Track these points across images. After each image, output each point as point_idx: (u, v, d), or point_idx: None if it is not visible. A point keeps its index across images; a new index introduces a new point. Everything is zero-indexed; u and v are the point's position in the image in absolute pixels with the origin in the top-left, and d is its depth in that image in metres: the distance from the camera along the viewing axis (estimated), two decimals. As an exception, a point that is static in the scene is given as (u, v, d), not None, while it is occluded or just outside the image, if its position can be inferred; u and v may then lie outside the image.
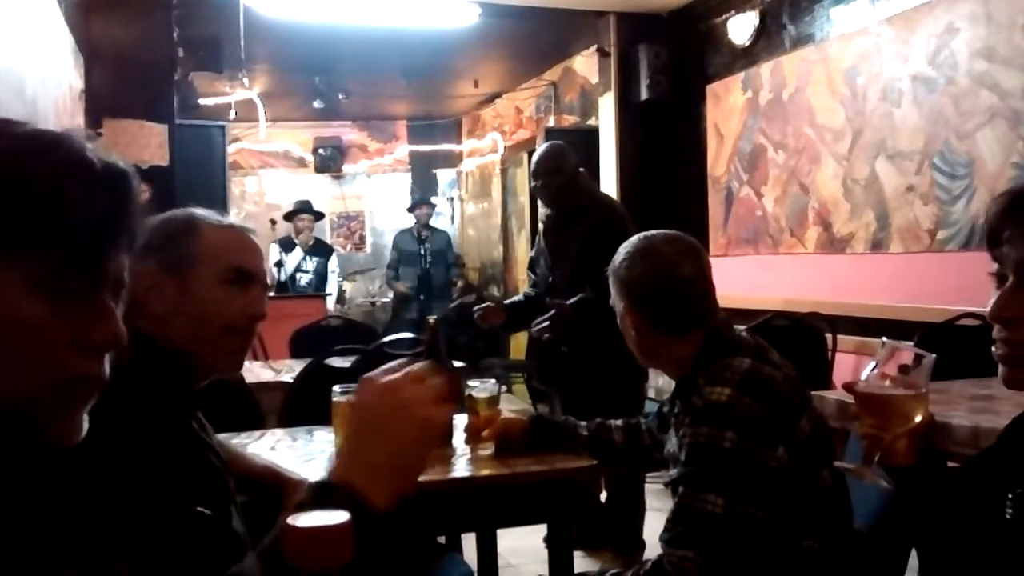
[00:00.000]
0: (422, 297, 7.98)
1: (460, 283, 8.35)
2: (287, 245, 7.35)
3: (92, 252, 0.73)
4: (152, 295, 1.36)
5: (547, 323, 3.48)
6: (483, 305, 3.78)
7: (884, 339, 1.34)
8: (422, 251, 8.07)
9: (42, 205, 0.70)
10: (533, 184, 3.75)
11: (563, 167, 3.63)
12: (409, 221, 8.46)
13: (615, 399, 3.37)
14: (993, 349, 1.19)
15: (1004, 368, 1.19)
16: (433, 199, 9.51)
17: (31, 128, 0.74)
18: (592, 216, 3.55)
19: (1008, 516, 1.11)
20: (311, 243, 7.43)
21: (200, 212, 1.46)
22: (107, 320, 0.75)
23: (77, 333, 0.72)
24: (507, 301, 3.96)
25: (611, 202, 3.89)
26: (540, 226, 3.86)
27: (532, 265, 3.94)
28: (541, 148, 3.81)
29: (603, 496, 3.81)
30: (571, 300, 3.46)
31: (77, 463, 0.84)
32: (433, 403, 0.95)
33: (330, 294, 7.27)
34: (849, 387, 1.33)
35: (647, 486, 3.71)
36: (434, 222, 8.74)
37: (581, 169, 3.72)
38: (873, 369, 1.32)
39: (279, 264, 7.15)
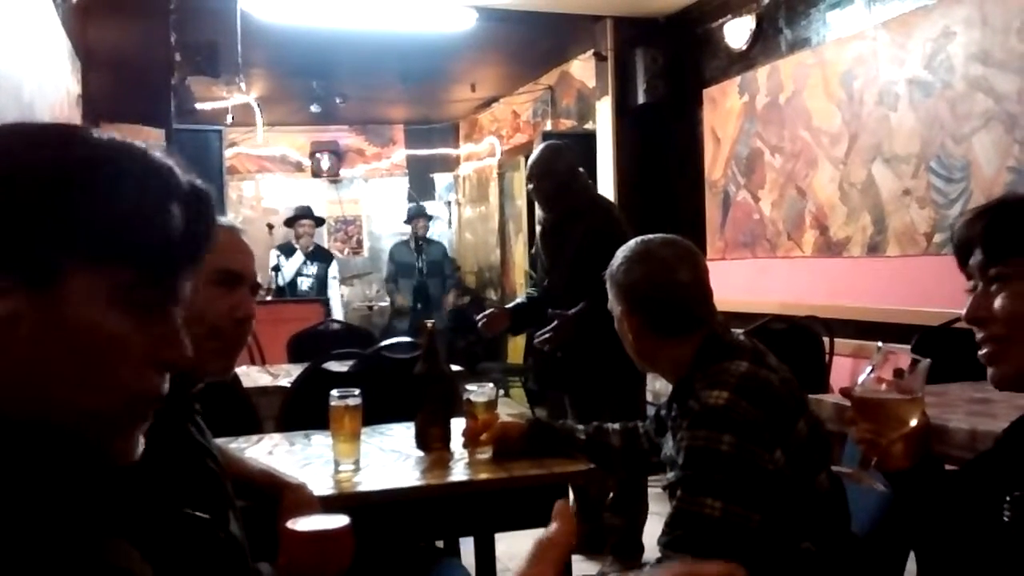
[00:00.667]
0: (419, 307, 7.99)
1: (452, 297, 8.33)
2: (287, 250, 7.34)
3: (175, 270, 0.74)
4: None
5: (550, 334, 3.48)
6: (487, 313, 3.76)
7: (879, 344, 1.36)
8: (419, 263, 8.08)
9: (140, 221, 0.71)
10: (528, 187, 3.75)
11: (555, 169, 3.61)
12: (405, 230, 8.46)
13: (614, 403, 3.37)
14: (978, 354, 1.22)
15: (990, 369, 1.22)
16: (430, 205, 9.51)
17: (123, 141, 0.75)
18: (588, 220, 3.53)
19: (1006, 518, 1.12)
20: (311, 248, 7.42)
21: None
22: (180, 338, 0.75)
23: (154, 349, 0.73)
24: (509, 305, 3.95)
25: (608, 206, 3.83)
26: (538, 227, 3.83)
27: (532, 264, 3.93)
28: (536, 150, 3.78)
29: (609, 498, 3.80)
30: (572, 311, 3.45)
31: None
32: None
33: (329, 299, 7.25)
34: (846, 392, 1.35)
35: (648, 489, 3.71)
36: (432, 226, 8.75)
37: (581, 170, 3.71)
38: (869, 374, 1.33)
39: (276, 268, 7.13)
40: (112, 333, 0.70)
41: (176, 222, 0.73)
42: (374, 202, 10.30)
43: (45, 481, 0.68)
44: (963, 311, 1.25)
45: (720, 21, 5.41)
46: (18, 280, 0.67)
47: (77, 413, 0.70)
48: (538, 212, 3.83)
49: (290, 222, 7.52)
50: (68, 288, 0.69)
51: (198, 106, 7.30)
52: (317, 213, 8.09)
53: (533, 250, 3.97)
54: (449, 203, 10.59)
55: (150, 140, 4.83)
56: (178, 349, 0.74)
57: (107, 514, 0.75)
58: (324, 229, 9.74)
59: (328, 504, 1.67)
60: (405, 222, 8.44)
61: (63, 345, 0.69)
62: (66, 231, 0.68)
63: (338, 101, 8.02)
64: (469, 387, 2.26)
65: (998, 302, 1.20)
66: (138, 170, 0.73)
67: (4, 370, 0.68)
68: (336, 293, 7.58)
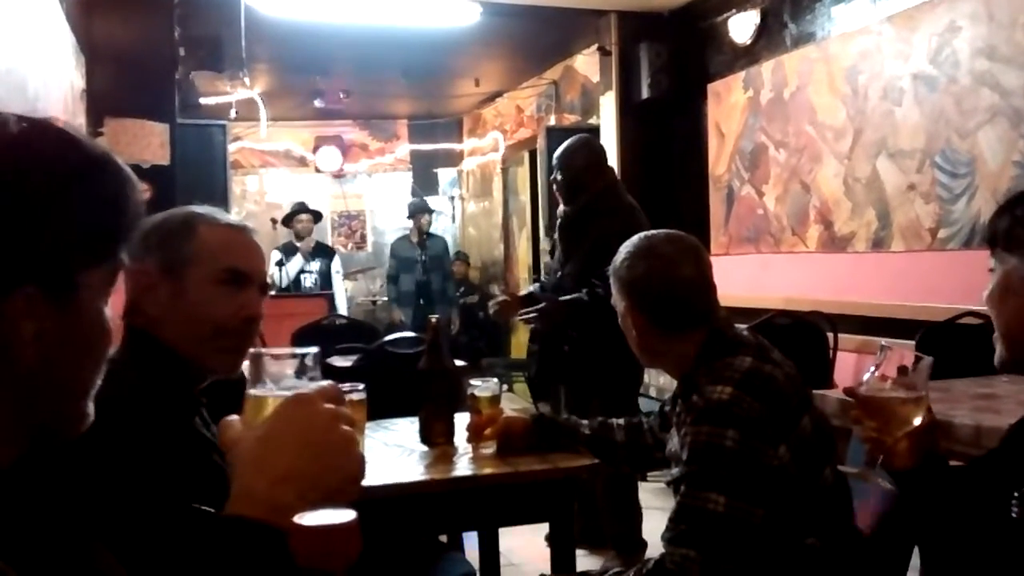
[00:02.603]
0: (421, 302, 7.98)
1: (456, 314, 8.29)
2: (288, 250, 7.32)
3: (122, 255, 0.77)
4: (147, 295, 1.36)
5: (534, 315, 3.49)
6: (499, 299, 3.75)
7: (883, 342, 1.37)
8: (421, 258, 8.06)
9: (125, 215, 0.74)
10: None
11: (570, 165, 3.59)
12: (409, 224, 8.44)
13: (609, 397, 3.37)
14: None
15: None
16: (433, 200, 9.48)
17: (85, 138, 0.75)
18: (609, 220, 3.44)
19: (1014, 515, 1.12)
20: (312, 247, 7.40)
21: (200, 210, 1.45)
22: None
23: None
24: (522, 293, 3.94)
25: (633, 209, 3.62)
26: (558, 219, 3.79)
27: (551, 252, 3.91)
28: (564, 143, 3.74)
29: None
30: (564, 298, 3.46)
31: (78, 457, 0.85)
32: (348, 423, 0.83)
33: (333, 293, 7.24)
34: (851, 391, 1.36)
35: (649, 485, 3.71)
36: (435, 221, 8.73)
37: (611, 167, 3.72)
38: (873, 373, 1.33)
39: (280, 264, 7.13)
40: (107, 323, 0.74)
41: (139, 210, 0.76)
42: (378, 197, 10.29)
43: (30, 485, 0.69)
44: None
45: (724, 16, 5.39)
46: (39, 290, 0.67)
47: (76, 400, 0.73)
48: (560, 205, 3.79)
49: (287, 220, 7.50)
50: (82, 294, 0.70)
51: (202, 101, 7.30)
52: (320, 209, 8.08)
53: (552, 239, 3.94)
54: (453, 198, 10.58)
55: (154, 135, 4.85)
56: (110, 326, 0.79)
57: (83, 517, 0.76)
58: (327, 224, 9.73)
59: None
60: (408, 218, 8.40)
61: (76, 345, 0.71)
62: (78, 236, 0.69)
63: (342, 96, 8.01)
64: (473, 382, 2.26)
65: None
66: (112, 164, 0.75)
67: (21, 378, 0.68)
68: (340, 288, 7.55)
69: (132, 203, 0.74)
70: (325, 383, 0.86)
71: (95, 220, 0.70)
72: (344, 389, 2.07)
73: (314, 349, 0.92)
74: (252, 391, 0.90)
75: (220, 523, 0.77)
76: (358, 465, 0.83)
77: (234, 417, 0.88)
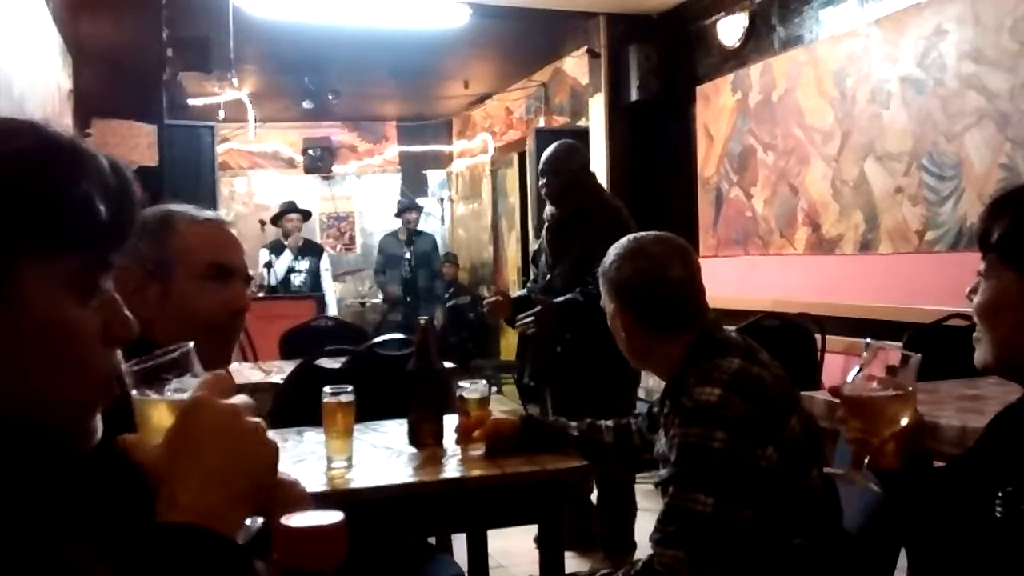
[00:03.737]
0: (408, 299, 7.97)
1: (440, 313, 8.22)
2: (276, 249, 7.28)
3: (113, 250, 0.75)
4: (136, 298, 1.36)
5: (531, 319, 3.49)
6: (491, 299, 3.76)
7: (867, 340, 1.33)
8: (408, 255, 8.03)
9: (82, 207, 0.71)
10: (539, 182, 3.78)
11: (566, 167, 3.63)
12: (397, 224, 8.42)
13: (606, 400, 3.37)
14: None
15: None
16: (423, 200, 9.47)
17: (51, 130, 0.73)
18: (597, 221, 3.49)
19: (998, 515, 1.12)
20: (300, 244, 7.36)
21: (175, 208, 1.45)
22: (125, 314, 0.76)
23: (106, 329, 0.74)
24: (515, 295, 3.95)
25: (619, 209, 3.70)
26: (545, 223, 3.82)
27: (535, 259, 3.93)
28: (551, 146, 3.77)
29: (594, 496, 3.81)
30: (558, 299, 3.47)
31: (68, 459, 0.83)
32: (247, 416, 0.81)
33: (322, 294, 7.20)
34: (835, 391, 1.32)
35: (638, 487, 3.71)
36: (424, 223, 8.70)
37: (592, 171, 3.74)
38: (858, 372, 1.31)
39: (268, 265, 7.10)
40: (73, 321, 0.71)
41: (111, 202, 0.73)
42: (367, 198, 10.28)
43: (6, 484, 0.68)
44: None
45: (713, 18, 5.41)
46: None
47: (51, 405, 0.70)
48: (547, 208, 3.80)
49: (276, 220, 7.45)
50: (24, 286, 0.68)
51: (190, 102, 7.28)
52: (310, 210, 8.06)
53: (537, 245, 3.96)
54: (442, 200, 10.57)
55: (142, 136, 4.83)
56: (127, 325, 0.76)
57: (67, 516, 0.75)
58: (316, 225, 9.71)
59: (321, 501, 1.67)
60: (396, 215, 8.38)
61: (29, 343, 0.68)
62: (14, 230, 0.67)
63: (330, 97, 7.99)
64: (462, 384, 2.26)
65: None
66: (69, 156, 0.72)
67: None
68: (329, 287, 7.50)
69: (87, 194, 0.71)
70: (208, 375, 0.84)
71: (38, 208, 0.67)
72: (332, 391, 2.08)
73: (189, 344, 0.89)
74: (138, 397, 0.84)
75: (164, 533, 0.74)
76: (273, 452, 0.82)
77: (129, 436, 0.83)
